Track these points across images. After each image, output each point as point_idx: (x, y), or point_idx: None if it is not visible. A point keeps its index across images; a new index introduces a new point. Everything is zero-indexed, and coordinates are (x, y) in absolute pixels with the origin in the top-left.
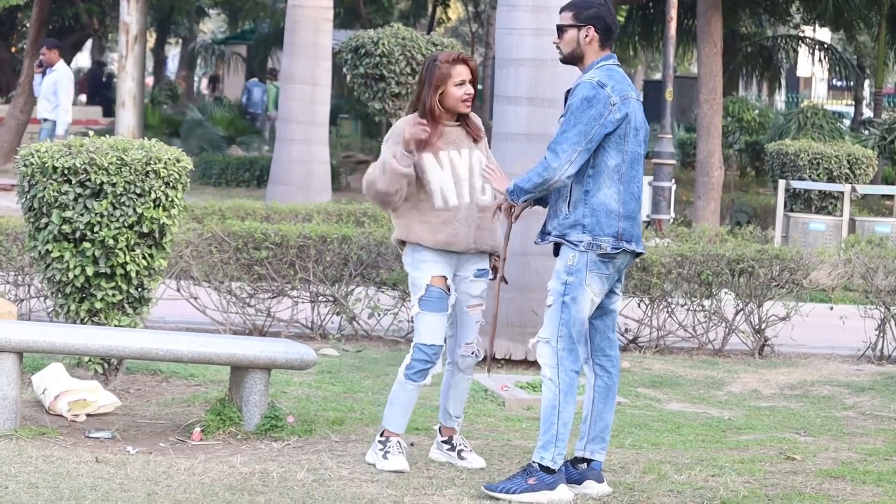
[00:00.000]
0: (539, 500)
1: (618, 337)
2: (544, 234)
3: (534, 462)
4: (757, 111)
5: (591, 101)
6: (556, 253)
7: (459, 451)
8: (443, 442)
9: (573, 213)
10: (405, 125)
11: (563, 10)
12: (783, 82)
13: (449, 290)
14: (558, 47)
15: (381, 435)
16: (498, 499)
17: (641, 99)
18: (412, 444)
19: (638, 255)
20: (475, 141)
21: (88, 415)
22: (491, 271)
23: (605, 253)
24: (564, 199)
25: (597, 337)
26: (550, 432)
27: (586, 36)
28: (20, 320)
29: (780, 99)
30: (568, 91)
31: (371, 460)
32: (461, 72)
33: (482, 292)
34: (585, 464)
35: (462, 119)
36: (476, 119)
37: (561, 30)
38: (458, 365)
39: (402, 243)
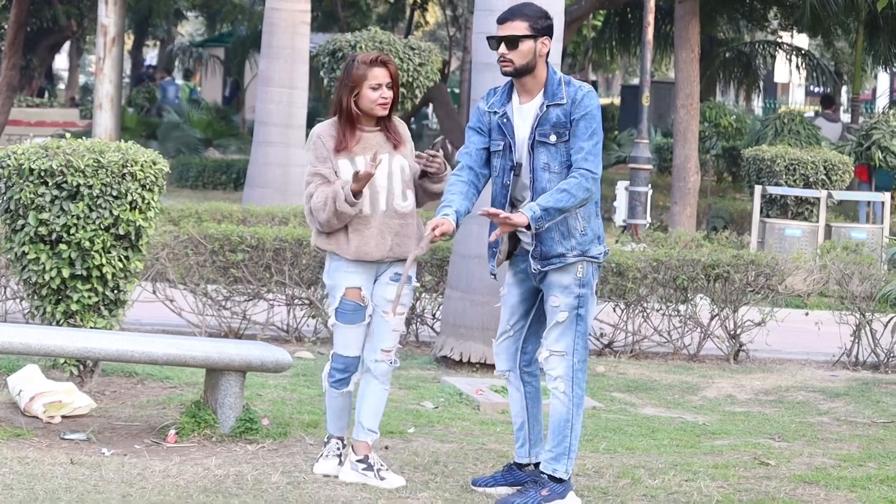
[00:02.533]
0: None
1: (593, 341)
2: (550, 258)
3: (544, 474)
4: (734, 116)
5: (599, 108)
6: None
7: (378, 471)
8: (357, 461)
9: (589, 227)
10: (319, 136)
11: (509, 18)
12: (761, 88)
13: (364, 301)
14: (506, 60)
15: (327, 436)
16: None
17: None
18: (386, 448)
19: None
20: (395, 147)
21: (64, 416)
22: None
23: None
24: (574, 216)
25: (531, 346)
26: (563, 444)
27: (543, 47)
28: None
29: (758, 104)
30: (545, 107)
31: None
32: (378, 74)
33: (400, 298)
34: (533, 466)
35: (382, 124)
36: (399, 125)
37: (515, 40)
38: (371, 372)
39: (322, 252)
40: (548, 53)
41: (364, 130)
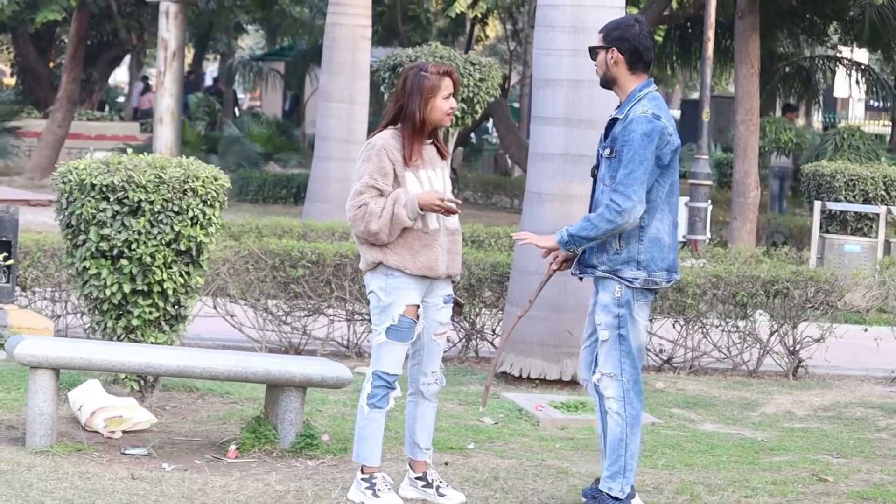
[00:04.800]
0: None
1: (652, 357)
2: (586, 266)
3: (602, 491)
4: (793, 132)
5: (650, 135)
6: (581, 278)
7: (437, 488)
8: (416, 478)
9: (626, 248)
10: (384, 148)
11: (599, 31)
12: (821, 102)
13: (418, 318)
14: (597, 70)
15: (363, 472)
16: None
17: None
18: (446, 463)
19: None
20: (443, 159)
21: (124, 431)
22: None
23: (658, 287)
24: (614, 235)
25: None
26: (619, 464)
27: (612, 58)
28: (57, 337)
29: (818, 119)
30: (613, 120)
31: (357, 499)
32: (449, 85)
33: (448, 319)
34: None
35: (433, 136)
36: (440, 138)
37: (594, 52)
38: (423, 394)
39: (374, 267)
40: (627, 65)
41: (423, 143)
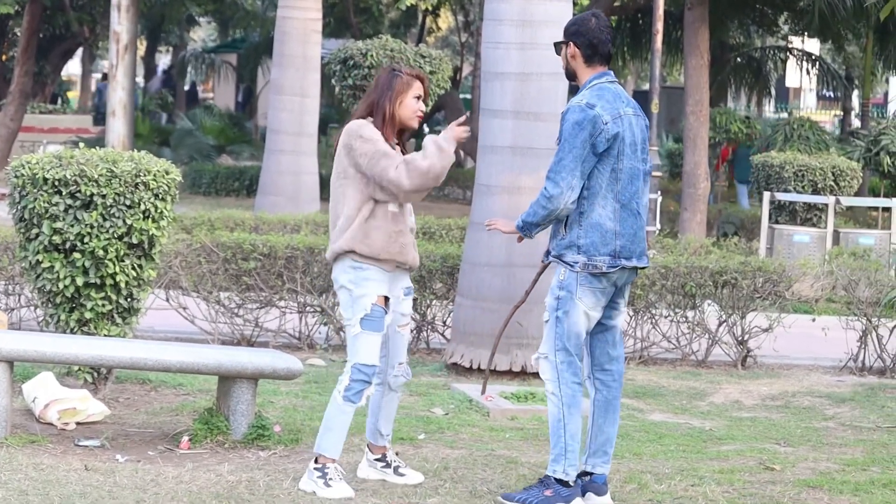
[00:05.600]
0: None
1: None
2: (547, 253)
3: (549, 476)
4: (744, 122)
5: (581, 124)
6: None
7: (396, 468)
8: (376, 460)
9: (569, 233)
10: (366, 123)
11: None
12: (772, 93)
13: (389, 308)
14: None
15: (317, 462)
16: None
17: (640, 113)
18: (396, 454)
19: (641, 268)
20: None
21: (78, 423)
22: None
23: (599, 272)
24: (561, 219)
25: (596, 351)
26: (560, 445)
27: (570, 52)
28: (10, 329)
29: (769, 109)
30: (564, 112)
31: (308, 488)
32: (419, 87)
33: (409, 310)
34: (588, 476)
35: (401, 141)
36: (407, 147)
37: (556, 47)
38: (389, 385)
39: (341, 256)
40: (584, 59)
41: (392, 138)
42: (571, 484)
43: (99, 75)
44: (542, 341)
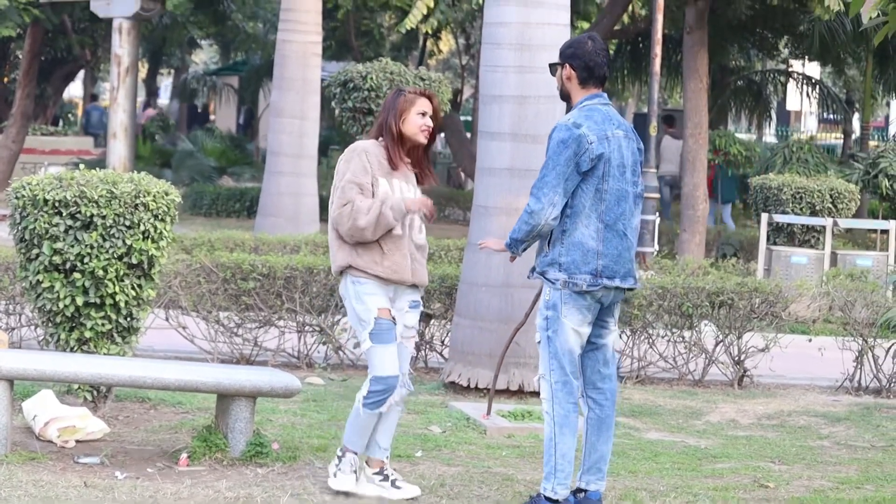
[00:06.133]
0: None
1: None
2: (532, 270)
3: (539, 493)
4: (743, 145)
5: (566, 142)
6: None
7: (393, 481)
8: (374, 474)
9: (551, 251)
10: (364, 150)
11: None
12: (773, 116)
13: (394, 320)
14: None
15: (341, 450)
16: None
17: (632, 135)
18: (394, 470)
19: (629, 289)
20: (418, 182)
21: (78, 441)
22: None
23: (580, 290)
24: (545, 237)
25: (587, 370)
26: (550, 464)
27: (565, 74)
28: (11, 348)
29: (770, 132)
30: (551, 131)
31: (329, 470)
32: (424, 104)
33: (415, 323)
34: (583, 493)
35: (416, 160)
36: (429, 167)
37: (552, 68)
38: (392, 398)
39: (342, 273)
40: (579, 80)
41: (403, 155)
42: (561, 501)
43: (102, 97)
44: (539, 362)
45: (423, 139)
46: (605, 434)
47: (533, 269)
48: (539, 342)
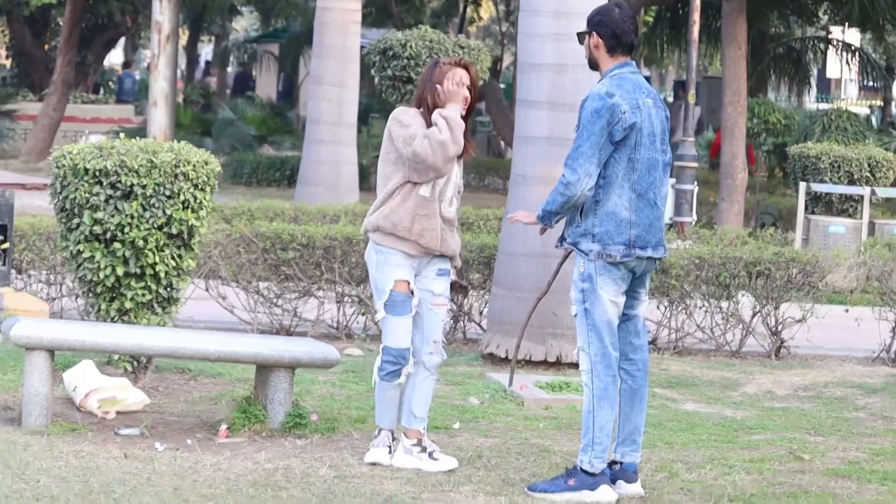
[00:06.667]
0: (580, 499)
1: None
2: (562, 239)
3: (576, 465)
4: (782, 113)
5: (599, 112)
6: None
7: (431, 453)
8: (412, 445)
9: (584, 221)
10: (406, 111)
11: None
12: (813, 84)
13: (412, 293)
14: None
15: (377, 429)
16: (537, 499)
17: (660, 104)
18: (432, 443)
19: (659, 259)
20: (460, 155)
21: (118, 412)
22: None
23: (614, 261)
24: (578, 208)
25: (620, 342)
26: (588, 436)
27: (593, 42)
28: (52, 318)
29: (811, 100)
30: (583, 100)
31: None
32: (459, 73)
33: (445, 290)
34: (618, 465)
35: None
36: (469, 138)
37: (580, 36)
38: (424, 364)
39: (371, 234)
40: (607, 49)
41: None
42: (598, 474)
43: (142, 63)
44: (577, 334)
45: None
46: (639, 405)
47: (563, 239)
48: (576, 315)
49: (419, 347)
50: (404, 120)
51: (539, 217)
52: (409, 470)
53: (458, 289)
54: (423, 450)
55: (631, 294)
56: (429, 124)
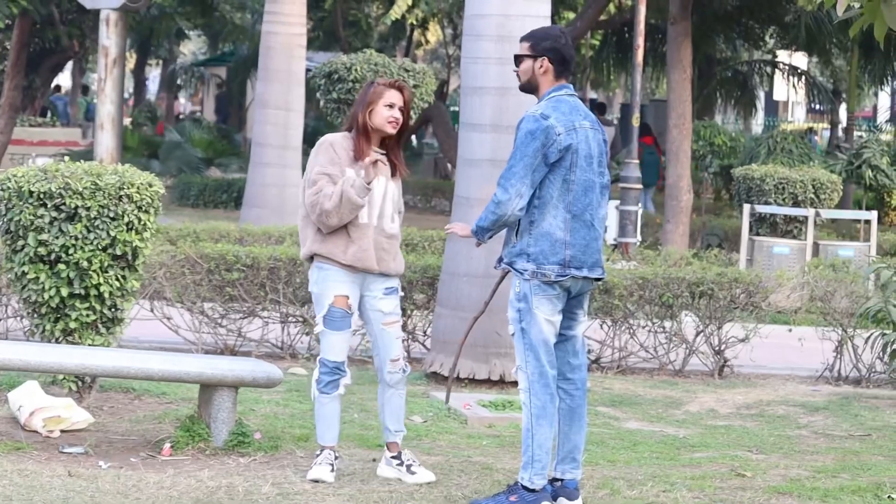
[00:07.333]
0: None
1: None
2: (500, 260)
3: (517, 482)
4: (727, 135)
5: (534, 133)
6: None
7: (408, 466)
8: (392, 458)
9: (519, 241)
10: (331, 143)
11: (522, 39)
12: (761, 106)
13: (350, 308)
14: (518, 75)
15: (319, 448)
16: None
17: (598, 127)
18: (374, 460)
19: (597, 279)
20: (393, 173)
21: (62, 431)
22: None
23: (548, 280)
24: (513, 227)
25: (557, 361)
26: (528, 454)
27: (541, 67)
28: None
29: (758, 123)
30: (519, 122)
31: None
32: (393, 96)
33: (394, 308)
34: (559, 482)
35: (388, 151)
36: (401, 158)
37: (518, 59)
38: (387, 382)
39: (310, 260)
40: (554, 73)
41: (373, 149)
42: (538, 491)
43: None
44: (515, 354)
45: (390, 130)
46: (578, 423)
47: (500, 260)
48: (513, 334)
49: (380, 367)
50: (319, 154)
51: (473, 231)
52: (312, 481)
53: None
54: (402, 463)
55: (568, 314)
56: (358, 150)
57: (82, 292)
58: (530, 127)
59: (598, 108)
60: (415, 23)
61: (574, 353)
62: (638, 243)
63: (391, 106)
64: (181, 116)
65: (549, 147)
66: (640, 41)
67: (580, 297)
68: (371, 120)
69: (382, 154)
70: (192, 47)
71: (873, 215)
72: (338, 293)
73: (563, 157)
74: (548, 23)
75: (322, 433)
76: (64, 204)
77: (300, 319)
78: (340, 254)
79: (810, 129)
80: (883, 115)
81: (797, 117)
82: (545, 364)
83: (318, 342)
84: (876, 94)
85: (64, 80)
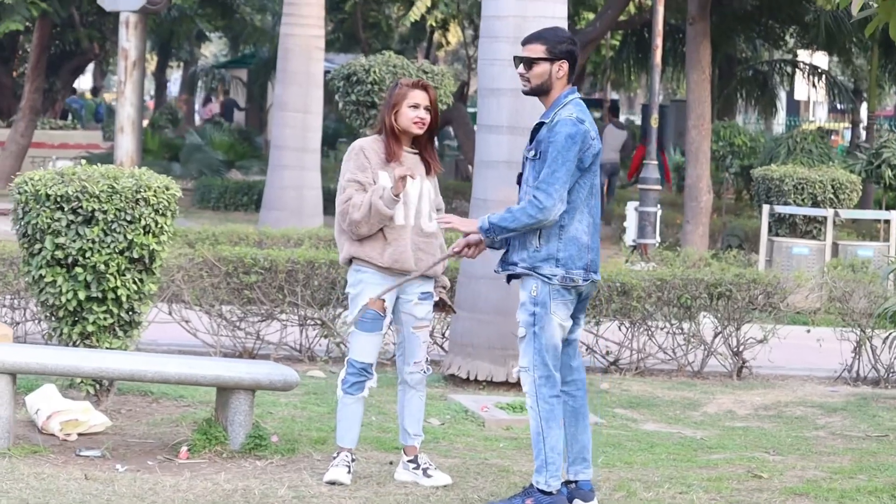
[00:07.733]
0: None
1: (599, 359)
2: (508, 264)
3: (532, 485)
4: (747, 136)
5: (573, 137)
6: (509, 280)
7: (425, 470)
8: (408, 461)
9: (545, 246)
10: (361, 148)
11: (530, 41)
12: (782, 106)
13: (385, 311)
14: (525, 78)
15: (336, 450)
16: None
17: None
18: (391, 463)
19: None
20: (428, 171)
21: (80, 434)
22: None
23: (574, 285)
24: (535, 231)
25: (562, 364)
26: (540, 458)
27: (559, 70)
28: (15, 343)
29: (777, 123)
30: (539, 124)
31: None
32: (417, 95)
33: (427, 314)
34: (573, 484)
35: (421, 149)
36: (434, 156)
37: (531, 62)
38: (408, 383)
39: (349, 262)
40: (567, 77)
41: (404, 150)
42: (555, 493)
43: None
44: (520, 355)
45: (416, 130)
46: (583, 423)
47: (508, 264)
48: (522, 337)
49: (402, 368)
50: (351, 159)
51: (484, 228)
52: (399, 483)
53: (444, 308)
54: (418, 466)
55: (574, 319)
56: (389, 152)
57: (99, 295)
58: (570, 131)
59: (612, 110)
60: (434, 24)
61: (574, 356)
62: (657, 244)
63: (416, 106)
64: (214, 118)
65: (586, 151)
66: (659, 41)
67: (585, 301)
68: (397, 122)
69: (415, 153)
70: (214, 49)
71: (893, 215)
72: (373, 295)
73: (594, 161)
74: (565, 24)
75: (342, 434)
76: (81, 207)
77: (318, 322)
78: (378, 256)
79: (820, 129)
80: None
81: (819, 117)
82: (552, 368)
83: (338, 345)
84: None
85: (85, 82)
